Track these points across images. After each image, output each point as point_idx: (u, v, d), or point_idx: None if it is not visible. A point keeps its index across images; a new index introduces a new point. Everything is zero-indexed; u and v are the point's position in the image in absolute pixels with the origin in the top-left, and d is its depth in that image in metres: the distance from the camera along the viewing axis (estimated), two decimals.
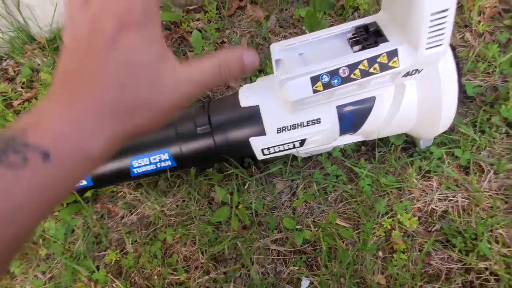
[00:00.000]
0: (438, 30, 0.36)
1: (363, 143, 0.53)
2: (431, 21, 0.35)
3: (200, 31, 0.73)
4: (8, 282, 0.50)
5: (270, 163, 0.54)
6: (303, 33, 0.72)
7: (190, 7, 0.80)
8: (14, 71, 0.82)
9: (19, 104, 0.74)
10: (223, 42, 0.74)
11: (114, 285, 0.47)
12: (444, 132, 0.48)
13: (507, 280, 0.38)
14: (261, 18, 0.74)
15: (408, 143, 0.51)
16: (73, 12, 0.21)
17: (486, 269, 0.40)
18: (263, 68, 0.67)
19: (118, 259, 0.49)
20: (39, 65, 0.79)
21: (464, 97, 0.55)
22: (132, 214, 0.54)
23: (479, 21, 0.62)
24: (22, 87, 0.78)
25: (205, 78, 0.21)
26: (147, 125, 0.20)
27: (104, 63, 0.19)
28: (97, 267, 0.49)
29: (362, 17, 0.68)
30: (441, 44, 0.37)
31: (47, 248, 0.52)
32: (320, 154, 0.53)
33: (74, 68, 0.19)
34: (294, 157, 0.52)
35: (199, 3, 0.80)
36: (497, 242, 0.41)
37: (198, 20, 0.78)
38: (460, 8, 0.64)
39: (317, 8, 0.67)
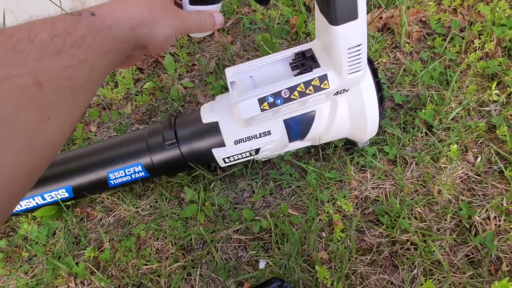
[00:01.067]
0: (355, 59, 0.45)
1: (312, 146, 0.62)
2: (349, 53, 0.44)
3: (173, 55, 0.82)
4: None
5: (232, 166, 0.62)
6: (263, 55, 0.82)
7: None
8: None
9: None
10: (194, 64, 0.84)
11: (92, 278, 0.52)
12: (376, 135, 0.58)
13: (423, 248, 0.47)
14: (227, 43, 0.85)
15: (350, 143, 0.61)
16: None
17: (407, 240, 0.48)
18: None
19: (96, 255, 0.54)
20: None
21: (394, 105, 0.65)
22: (109, 216, 0.59)
23: (407, 43, 0.75)
24: None
25: (192, 20, 0.34)
26: (163, 34, 0.31)
27: None
28: (77, 264, 0.54)
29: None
30: (360, 70, 0.46)
31: (29, 251, 0.56)
32: (276, 157, 0.61)
33: None
34: (254, 161, 0.60)
35: None
36: (416, 218, 0.50)
37: (171, 46, 0.88)
38: (392, 33, 0.77)
39: (274, 34, 0.78)
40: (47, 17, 0.24)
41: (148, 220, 0.57)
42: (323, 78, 0.48)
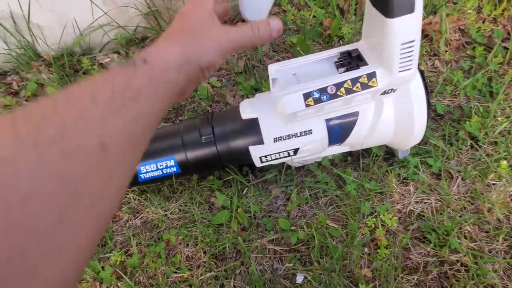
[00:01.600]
0: (407, 56, 0.44)
1: (349, 153, 0.60)
2: (402, 49, 0.43)
3: None
4: None
5: (266, 172, 0.59)
6: (294, 57, 0.80)
7: None
8: (18, 86, 0.86)
9: None
10: None
11: (119, 284, 0.49)
12: (418, 144, 0.56)
13: (474, 270, 0.44)
14: None
15: (389, 153, 0.58)
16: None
17: (457, 261, 0.45)
18: (259, 87, 0.73)
19: (123, 260, 0.51)
20: (45, 80, 0.83)
21: (435, 115, 0.63)
22: (136, 218, 0.57)
23: (446, 51, 0.72)
24: (26, 101, 0.81)
25: (241, 37, 0.31)
26: (210, 58, 0.29)
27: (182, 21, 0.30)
28: (102, 268, 0.51)
29: (346, 44, 0.77)
30: (410, 68, 0.45)
31: None
32: (312, 164, 0.59)
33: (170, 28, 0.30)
34: (288, 167, 0.58)
35: None
36: (465, 237, 0.47)
37: None
38: (430, 40, 0.75)
39: (307, 36, 0.76)
40: (107, 72, 0.24)
41: (177, 224, 0.55)
42: (372, 75, 0.46)
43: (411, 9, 0.40)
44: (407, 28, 0.41)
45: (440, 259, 0.46)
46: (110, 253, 0.53)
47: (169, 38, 0.29)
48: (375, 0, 0.42)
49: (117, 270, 0.50)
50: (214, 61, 0.30)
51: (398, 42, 0.42)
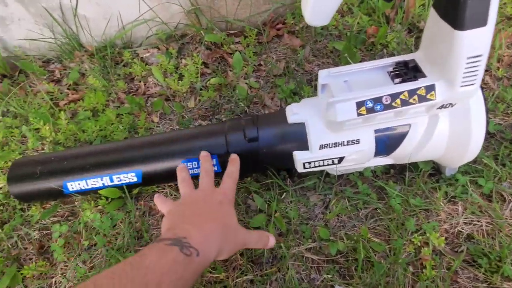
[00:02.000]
0: (472, 71, 0.42)
1: (391, 166, 0.58)
2: (467, 63, 0.41)
3: (241, 53, 0.80)
4: (48, 268, 0.52)
5: (304, 178, 0.58)
6: (335, 63, 0.78)
7: (231, 31, 0.88)
8: (60, 74, 0.88)
9: (65, 104, 0.79)
10: (260, 64, 0.81)
11: None
12: (468, 162, 0.53)
13: None
14: (297, 46, 0.82)
15: (434, 169, 0.56)
16: (188, 192, 0.45)
17: None
18: (298, 91, 0.72)
19: None
20: (86, 70, 0.85)
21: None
22: None
23: (498, 67, 0.69)
24: (68, 89, 0.83)
25: (251, 241, 0.42)
26: (227, 252, 0.38)
27: (216, 211, 0.40)
28: None
29: (391, 54, 0.75)
30: (474, 84, 0.43)
31: (89, 239, 0.54)
32: (352, 173, 0.57)
33: (200, 211, 0.39)
34: (327, 174, 0.56)
35: (239, 29, 0.88)
36: None
37: (238, 43, 0.85)
38: None
39: (351, 42, 0.74)
40: (171, 261, 0.30)
41: None
42: (430, 88, 0.44)
43: (483, 22, 0.38)
44: (476, 41, 0.39)
45: (491, 286, 0.44)
46: (145, 245, 0.53)
47: (212, 232, 0.36)
48: (444, 11, 0.40)
49: None
50: (231, 253, 0.39)
51: (464, 55, 0.40)
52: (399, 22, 0.79)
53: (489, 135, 0.59)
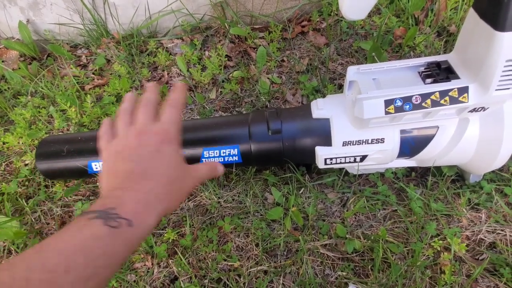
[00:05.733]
0: (509, 75, 0.41)
1: (413, 169, 0.57)
2: (505, 66, 0.40)
3: (264, 48, 0.80)
4: None
5: (323, 174, 0.58)
6: (359, 63, 0.78)
7: (255, 26, 0.88)
8: (87, 59, 0.90)
9: (90, 88, 0.81)
10: (282, 60, 0.81)
11: (170, 261, 0.50)
12: (494, 170, 0.52)
13: None
14: (321, 44, 0.81)
15: (458, 175, 0.55)
16: (121, 128, 0.34)
17: None
18: (320, 89, 0.72)
19: (175, 238, 0.52)
20: (111, 57, 0.87)
21: None
22: (189, 201, 0.58)
23: None
24: (93, 74, 0.85)
25: (202, 175, 0.36)
26: (175, 206, 0.32)
27: (154, 161, 0.31)
28: (155, 243, 0.52)
29: (418, 57, 0.74)
30: (510, 88, 0.42)
31: None
32: (372, 173, 0.56)
33: (132, 168, 0.30)
34: (346, 173, 0.56)
35: (263, 24, 0.88)
36: None
37: (262, 38, 0.85)
38: None
39: (378, 42, 0.73)
40: (88, 226, 0.25)
41: (229, 213, 0.55)
42: (463, 90, 0.43)
43: None
44: None
45: None
46: (163, 229, 0.54)
47: (149, 193, 0.29)
48: (485, 11, 0.39)
49: (168, 248, 0.51)
50: (183, 199, 0.34)
51: (503, 58, 0.39)
52: (429, 24, 0.77)
53: None
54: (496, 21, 0.37)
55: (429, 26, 0.78)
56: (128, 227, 0.26)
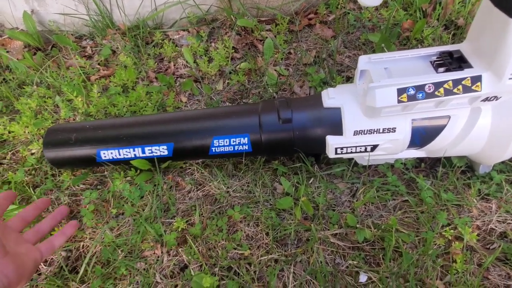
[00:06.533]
0: None
1: (422, 160, 0.57)
2: None
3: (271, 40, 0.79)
4: (77, 231, 0.54)
5: (333, 165, 0.58)
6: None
7: (262, 18, 0.88)
8: (92, 50, 0.90)
9: (96, 79, 0.80)
10: (289, 53, 0.81)
11: (179, 250, 0.50)
12: (504, 161, 0.52)
13: None
14: (328, 37, 0.81)
15: (467, 166, 0.55)
16: None
17: None
18: (328, 81, 0.72)
19: (184, 227, 0.52)
20: (117, 48, 0.86)
21: None
22: (198, 190, 0.57)
23: None
24: (99, 65, 0.85)
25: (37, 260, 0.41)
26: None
27: None
28: (164, 232, 0.52)
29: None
30: None
31: (117, 208, 0.55)
32: (381, 164, 0.56)
33: None
34: (355, 163, 0.56)
35: (270, 16, 0.87)
36: None
37: (268, 30, 0.85)
38: None
39: (386, 34, 0.73)
40: None
41: (238, 202, 0.55)
42: (477, 79, 0.43)
43: None
44: None
45: None
46: (172, 219, 0.54)
47: None
48: None
49: (177, 237, 0.51)
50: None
51: None
52: (437, 18, 0.77)
53: None
54: (511, 8, 0.37)
55: (437, 19, 0.77)
56: None
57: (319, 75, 0.72)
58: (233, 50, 0.81)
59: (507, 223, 0.48)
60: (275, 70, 0.76)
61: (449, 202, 0.50)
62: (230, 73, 0.77)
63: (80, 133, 0.55)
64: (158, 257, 0.50)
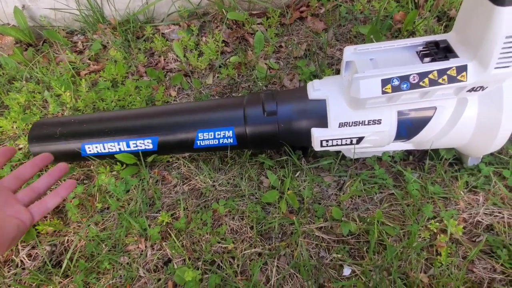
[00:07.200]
0: (509, 52, 0.40)
1: (410, 153, 0.56)
2: (505, 43, 0.39)
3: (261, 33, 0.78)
4: (62, 226, 0.54)
5: (320, 158, 0.57)
6: None
7: (253, 12, 0.87)
8: (83, 45, 0.89)
9: (86, 74, 0.80)
10: (280, 46, 0.80)
11: (163, 244, 0.50)
12: (492, 153, 0.51)
13: None
14: (319, 30, 0.80)
15: (455, 159, 0.54)
16: None
17: None
18: (318, 74, 0.71)
19: (169, 221, 0.52)
20: (107, 43, 0.86)
21: None
22: (184, 184, 0.57)
23: None
24: (89, 60, 0.84)
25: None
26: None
27: None
28: (149, 226, 0.52)
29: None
30: (509, 66, 0.41)
31: (102, 202, 0.55)
32: (369, 157, 0.56)
33: None
34: (343, 156, 0.55)
35: (261, 9, 0.86)
36: None
37: (259, 24, 0.84)
38: None
39: (377, 27, 0.72)
40: None
41: (224, 196, 0.54)
42: (462, 69, 0.42)
43: None
44: None
45: (508, 277, 0.42)
46: (157, 213, 0.53)
47: None
48: None
49: (165, 230, 0.51)
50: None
51: (503, 34, 0.38)
52: (429, 9, 0.76)
53: None
54: None
55: (429, 11, 0.76)
56: None
57: (309, 68, 0.71)
58: (224, 44, 0.80)
59: (494, 216, 0.47)
60: (266, 63, 0.76)
61: (436, 195, 0.49)
62: (220, 67, 0.76)
63: (65, 127, 0.55)
64: (142, 251, 0.50)
